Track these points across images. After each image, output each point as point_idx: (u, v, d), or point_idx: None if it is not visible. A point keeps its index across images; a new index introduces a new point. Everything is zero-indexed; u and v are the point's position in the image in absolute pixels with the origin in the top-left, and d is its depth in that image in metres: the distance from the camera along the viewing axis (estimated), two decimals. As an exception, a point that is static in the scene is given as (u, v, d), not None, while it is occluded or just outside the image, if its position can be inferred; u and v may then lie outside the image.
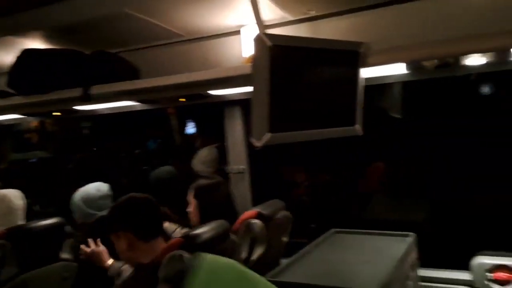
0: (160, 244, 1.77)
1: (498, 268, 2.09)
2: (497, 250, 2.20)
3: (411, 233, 2.10)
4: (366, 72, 1.76)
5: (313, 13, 2.04)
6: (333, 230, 2.32)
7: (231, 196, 2.61)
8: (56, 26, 2.25)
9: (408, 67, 2.19)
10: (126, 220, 1.77)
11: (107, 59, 2.51)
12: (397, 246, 1.92)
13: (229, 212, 2.37)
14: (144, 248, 1.73)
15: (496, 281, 2.08)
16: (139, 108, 2.94)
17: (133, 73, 2.56)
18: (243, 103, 2.69)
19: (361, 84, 1.74)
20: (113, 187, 2.63)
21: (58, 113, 3.10)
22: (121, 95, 2.42)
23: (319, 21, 2.09)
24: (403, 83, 3.18)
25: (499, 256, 2.14)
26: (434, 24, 1.95)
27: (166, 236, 2.07)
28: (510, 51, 1.88)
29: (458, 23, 1.91)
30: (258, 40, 1.46)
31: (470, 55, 1.87)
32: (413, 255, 2.00)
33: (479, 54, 1.90)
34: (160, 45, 2.52)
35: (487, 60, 2.00)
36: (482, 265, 2.12)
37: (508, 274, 2.07)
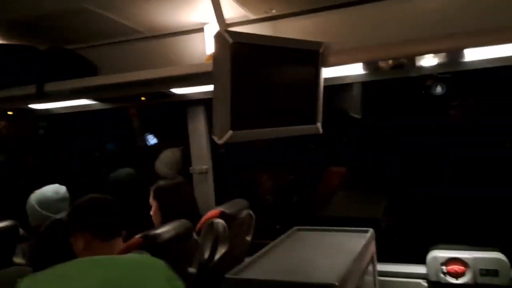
0: (118, 245, 1.73)
1: (451, 261, 2.18)
2: (452, 244, 2.30)
3: (369, 229, 2.16)
4: (327, 72, 1.80)
5: (274, 12, 2.06)
6: (295, 227, 2.35)
7: (193, 196, 2.59)
8: (10, 20, 2.15)
9: (365, 68, 2.26)
10: (84, 220, 1.74)
11: (63, 56, 2.43)
12: (356, 241, 1.97)
13: (191, 212, 2.35)
14: (101, 248, 1.69)
15: (450, 274, 2.17)
16: (98, 107, 2.87)
17: (91, 71, 2.49)
18: (206, 102, 2.67)
19: (321, 83, 1.77)
20: (71, 190, 2.55)
21: (11, 112, 2.97)
22: (77, 92, 2.35)
23: (280, 20, 2.11)
24: (365, 84, 3.27)
25: (452, 249, 2.23)
26: (391, 26, 2.02)
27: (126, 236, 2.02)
28: (462, 52, 1.97)
29: (413, 25, 1.99)
30: (219, 37, 1.46)
31: (424, 56, 1.94)
32: (371, 250, 2.06)
33: (432, 55, 1.98)
34: (120, 42, 2.46)
35: (439, 61, 2.09)
36: (436, 258, 2.20)
37: (460, 267, 2.17)
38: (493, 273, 2.12)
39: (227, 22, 2.03)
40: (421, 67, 2.18)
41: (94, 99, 2.67)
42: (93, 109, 2.86)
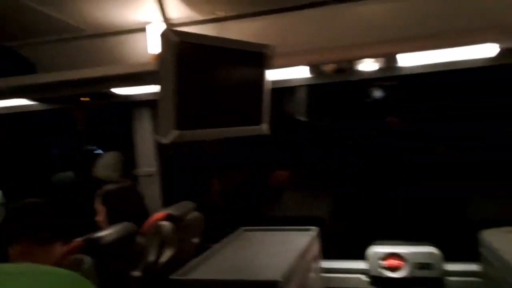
0: (58, 249, 1.67)
1: (390, 256, 2.29)
2: (390, 239, 2.42)
3: (314, 227, 2.22)
4: (275, 74, 1.84)
5: (221, 14, 2.07)
6: (242, 228, 2.37)
7: (142, 200, 2.54)
8: None
9: (311, 71, 2.33)
10: (19, 225, 1.66)
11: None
12: (301, 240, 2.02)
13: (141, 215, 2.31)
14: (39, 253, 1.62)
15: (388, 268, 2.28)
16: (38, 108, 2.74)
17: (30, 70, 2.37)
18: (151, 103, 2.63)
19: (267, 85, 1.81)
20: (11, 195, 2.42)
21: None
22: (14, 91, 2.22)
23: (226, 22, 2.12)
24: (315, 88, 3.36)
25: (390, 245, 2.35)
26: (333, 31, 2.09)
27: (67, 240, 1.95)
28: (400, 57, 2.09)
29: (354, 30, 2.07)
30: (165, 36, 1.46)
31: (363, 60, 2.04)
32: (316, 248, 2.12)
33: (372, 60, 2.08)
34: (60, 39, 2.35)
35: (380, 66, 2.20)
36: (376, 254, 2.31)
37: (398, 261, 2.28)
38: (428, 266, 2.26)
39: (173, 22, 2.01)
40: (362, 72, 2.28)
41: (33, 99, 2.54)
42: (32, 110, 2.72)
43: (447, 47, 2.08)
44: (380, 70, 2.25)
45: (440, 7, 1.90)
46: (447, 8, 1.90)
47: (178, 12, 1.97)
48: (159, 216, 2.22)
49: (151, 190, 2.83)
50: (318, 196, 3.48)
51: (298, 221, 2.42)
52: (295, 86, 2.93)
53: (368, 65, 2.19)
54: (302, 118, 3.85)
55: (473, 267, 2.23)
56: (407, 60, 2.20)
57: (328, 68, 2.25)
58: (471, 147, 3.10)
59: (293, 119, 3.80)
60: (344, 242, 2.84)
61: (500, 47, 2.01)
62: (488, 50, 2.06)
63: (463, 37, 1.92)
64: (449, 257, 2.30)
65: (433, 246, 2.31)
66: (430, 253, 2.27)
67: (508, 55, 2.10)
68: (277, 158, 3.71)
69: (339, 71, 2.30)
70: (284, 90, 3.03)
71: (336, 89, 3.15)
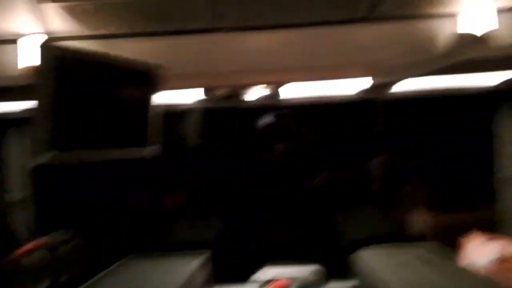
0: None
1: (277, 277, 2.34)
2: (278, 261, 2.48)
3: (206, 251, 2.19)
4: (166, 96, 1.80)
5: (110, 30, 1.98)
6: (130, 255, 2.25)
7: (12, 228, 2.30)
8: None
9: (204, 94, 2.35)
10: None
11: None
12: (192, 264, 1.98)
13: (10, 245, 2.07)
14: None
15: (277, 289, 2.33)
16: None
17: None
18: (25, 121, 2.40)
19: (155, 106, 1.77)
20: None
21: None
22: None
23: (117, 40, 2.04)
24: (206, 112, 3.38)
25: (278, 266, 2.41)
26: (226, 56, 2.14)
27: None
28: (282, 86, 2.22)
29: (245, 58, 2.14)
30: (45, 48, 1.36)
31: (253, 87, 2.12)
32: (206, 272, 2.09)
33: (261, 86, 2.18)
34: None
35: (268, 93, 2.31)
36: (264, 276, 2.34)
37: (285, 282, 2.35)
38: (314, 284, 2.35)
39: (55, 35, 1.86)
40: (254, 98, 2.37)
41: None
42: None
43: (330, 79, 2.27)
44: (269, 97, 2.36)
45: (326, 42, 2.06)
46: (332, 44, 2.06)
47: (61, 24, 1.84)
48: (31, 245, 2.02)
49: (24, 217, 2.57)
50: (211, 220, 3.47)
51: (191, 245, 2.36)
52: (189, 109, 2.92)
53: (258, 91, 2.29)
54: (196, 141, 3.84)
55: (353, 283, 2.38)
56: (293, 89, 2.34)
57: (221, 92, 2.30)
58: (357, 171, 3.36)
59: (187, 142, 3.78)
60: (236, 265, 2.84)
61: (373, 80, 2.26)
62: (363, 84, 2.30)
63: (341, 70, 2.11)
64: (333, 275, 2.44)
65: (318, 265, 2.42)
66: (315, 272, 2.37)
67: (378, 89, 2.37)
68: (170, 181, 3.64)
69: (231, 95, 2.36)
70: (177, 113, 3.01)
71: (230, 113, 3.22)
